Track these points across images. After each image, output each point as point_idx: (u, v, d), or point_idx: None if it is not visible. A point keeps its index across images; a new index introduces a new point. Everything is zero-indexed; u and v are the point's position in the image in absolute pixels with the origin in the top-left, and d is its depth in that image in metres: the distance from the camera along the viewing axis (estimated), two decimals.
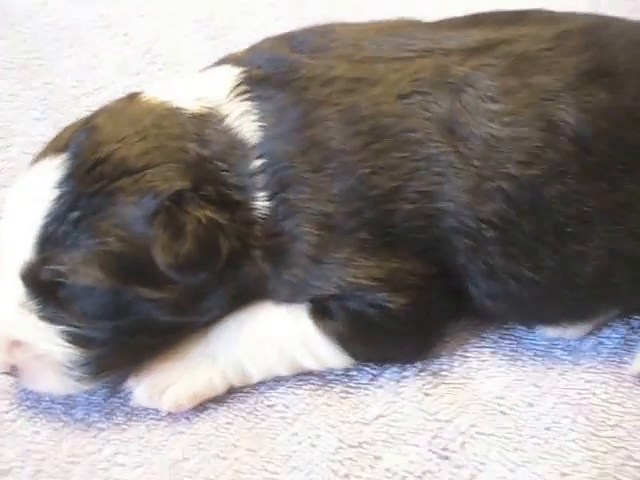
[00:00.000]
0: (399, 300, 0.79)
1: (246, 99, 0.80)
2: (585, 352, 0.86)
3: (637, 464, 0.75)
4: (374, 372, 0.85)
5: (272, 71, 0.82)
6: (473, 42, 0.81)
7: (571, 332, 0.86)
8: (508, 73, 0.78)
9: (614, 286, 0.80)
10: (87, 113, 0.87)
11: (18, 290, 0.76)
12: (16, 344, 0.76)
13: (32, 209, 0.75)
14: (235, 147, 0.78)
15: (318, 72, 0.80)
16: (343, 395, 0.83)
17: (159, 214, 0.73)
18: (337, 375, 0.84)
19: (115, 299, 0.75)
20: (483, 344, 0.87)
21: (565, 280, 0.79)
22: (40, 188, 0.76)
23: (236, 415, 0.81)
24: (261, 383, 0.83)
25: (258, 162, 0.78)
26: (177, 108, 0.80)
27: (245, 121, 0.79)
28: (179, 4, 1.40)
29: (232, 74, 0.83)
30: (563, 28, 0.82)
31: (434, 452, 0.78)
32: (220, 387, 0.81)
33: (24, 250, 0.75)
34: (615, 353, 0.85)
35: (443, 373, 0.84)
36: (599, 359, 0.85)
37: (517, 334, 0.88)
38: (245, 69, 0.83)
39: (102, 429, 0.81)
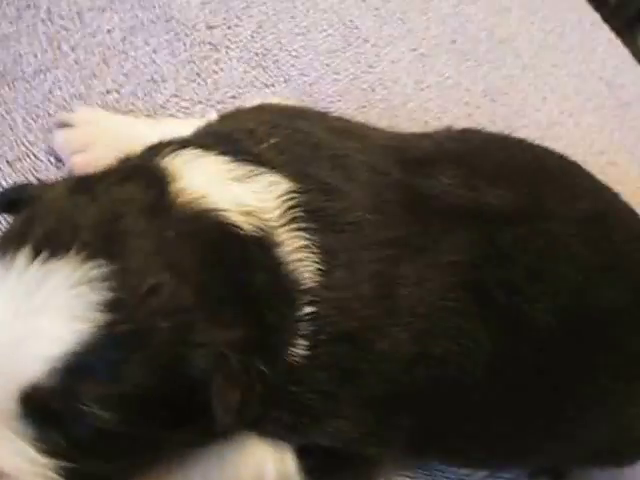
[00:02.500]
0: (375, 450, 0.77)
1: (302, 229, 0.68)
2: None
3: None
4: None
5: (327, 201, 0.71)
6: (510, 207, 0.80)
7: None
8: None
9: None
10: None
11: (8, 410, 0.60)
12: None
13: (60, 324, 0.59)
14: (286, 286, 0.68)
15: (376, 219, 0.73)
16: None
17: (219, 365, 0.62)
18: None
19: (131, 441, 0.63)
20: None
21: None
22: (77, 300, 0.59)
23: None
24: None
25: (308, 309, 0.68)
26: (229, 225, 0.66)
27: (301, 259, 0.68)
28: None
29: (280, 188, 0.70)
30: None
31: None
32: None
33: (34, 370, 0.59)
34: None
35: None
36: None
37: None
38: (297, 187, 0.70)
39: None
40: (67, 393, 0.59)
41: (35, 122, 0.89)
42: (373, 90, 1.18)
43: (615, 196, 0.94)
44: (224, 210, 0.66)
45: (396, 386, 0.74)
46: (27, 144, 0.87)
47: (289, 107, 0.87)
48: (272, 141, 0.75)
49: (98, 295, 0.59)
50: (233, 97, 1.03)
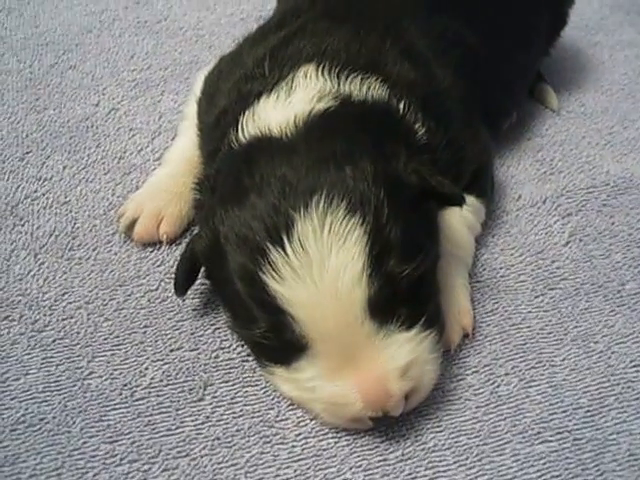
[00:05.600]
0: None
1: (355, 76, 1.00)
2: None
3: None
4: None
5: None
6: None
7: None
8: None
9: None
10: None
11: (372, 329, 0.83)
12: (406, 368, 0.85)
13: (345, 248, 0.81)
14: (391, 108, 1.00)
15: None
16: None
17: (419, 172, 0.91)
18: None
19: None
20: None
21: None
22: (334, 225, 0.82)
23: None
24: None
25: (401, 106, 1.00)
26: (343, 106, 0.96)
27: (376, 89, 1.00)
28: None
29: (313, 70, 1.00)
30: None
31: None
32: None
33: (360, 284, 0.81)
34: None
35: None
36: None
37: None
38: (315, 63, 1.01)
39: None
40: (392, 272, 0.82)
41: None
42: None
43: None
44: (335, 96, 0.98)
45: (469, 90, 1.14)
46: None
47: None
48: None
49: (340, 213, 0.82)
50: None
